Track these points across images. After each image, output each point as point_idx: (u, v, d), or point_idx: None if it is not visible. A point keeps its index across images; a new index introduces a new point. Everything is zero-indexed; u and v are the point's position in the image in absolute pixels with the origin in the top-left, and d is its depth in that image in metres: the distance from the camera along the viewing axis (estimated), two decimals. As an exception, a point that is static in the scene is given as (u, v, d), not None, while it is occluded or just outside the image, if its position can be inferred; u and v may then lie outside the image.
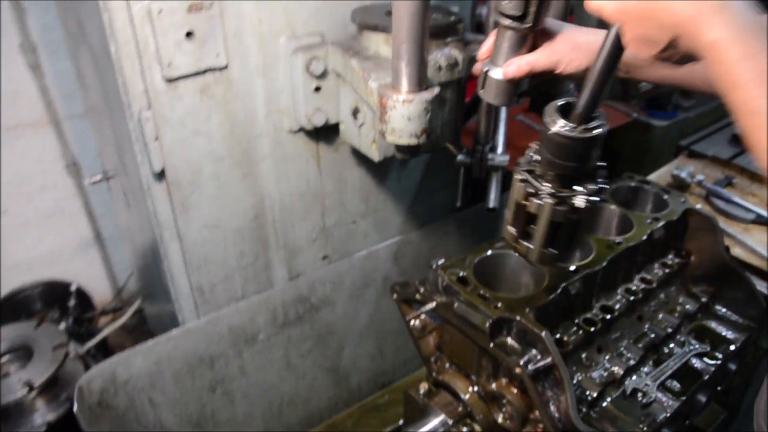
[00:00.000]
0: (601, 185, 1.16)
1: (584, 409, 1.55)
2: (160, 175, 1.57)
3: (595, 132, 1.06)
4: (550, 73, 1.23)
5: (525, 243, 1.29)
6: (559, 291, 1.56)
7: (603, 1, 0.90)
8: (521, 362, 1.43)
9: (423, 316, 1.76)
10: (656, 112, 2.96)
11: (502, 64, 1.22)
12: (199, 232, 1.70)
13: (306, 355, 2.08)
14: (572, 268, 1.63)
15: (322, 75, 1.62)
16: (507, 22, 1.15)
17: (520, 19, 1.13)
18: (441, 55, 1.50)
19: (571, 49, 1.22)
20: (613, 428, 1.54)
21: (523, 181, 1.19)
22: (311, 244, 1.95)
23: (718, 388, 1.78)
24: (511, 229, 1.30)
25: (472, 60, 1.58)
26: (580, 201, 1.14)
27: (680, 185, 2.49)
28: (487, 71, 1.22)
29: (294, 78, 1.62)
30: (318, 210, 1.91)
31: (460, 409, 1.70)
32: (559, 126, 1.06)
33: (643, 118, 2.96)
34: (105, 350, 3.00)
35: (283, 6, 1.56)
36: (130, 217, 2.04)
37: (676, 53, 0.83)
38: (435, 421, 1.69)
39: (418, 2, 1.19)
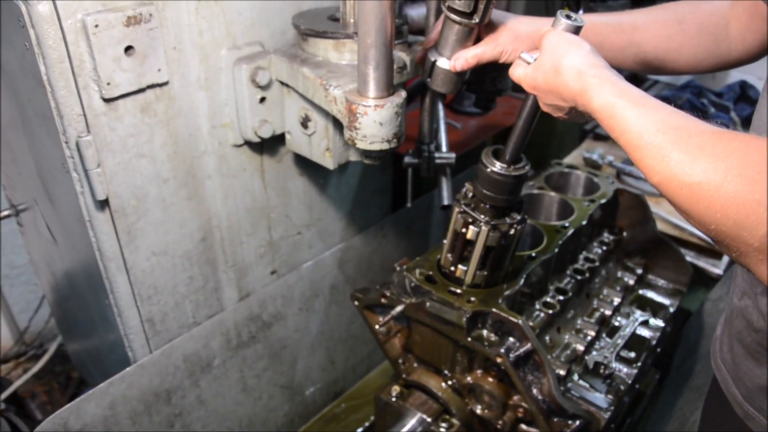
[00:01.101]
0: (524, 215, 1.45)
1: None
2: (103, 204, 1.44)
3: (522, 171, 1.34)
4: (495, 62, 1.33)
5: (461, 267, 1.52)
6: (523, 279, 1.62)
7: (521, 76, 1.16)
8: (501, 351, 1.47)
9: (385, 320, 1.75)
10: (557, 100, 3.13)
11: (448, 56, 1.30)
12: (147, 261, 1.59)
13: (261, 374, 2.01)
14: (533, 254, 1.70)
15: (267, 85, 1.57)
16: (456, 17, 1.20)
17: (469, 15, 1.18)
18: (390, 59, 1.51)
19: (514, 39, 1.32)
20: (587, 404, 1.62)
21: (461, 212, 1.43)
22: (259, 260, 1.88)
23: (658, 350, 1.92)
24: (449, 256, 1.54)
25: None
26: (510, 227, 1.41)
27: (593, 167, 2.66)
28: (434, 61, 1.28)
29: (238, 90, 1.56)
30: (264, 224, 1.85)
31: (436, 406, 1.72)
32: (497, 167, 1.33)
33: (546, 107, 3.12)
34: (15, 402, 2.74)
35: (223, 15, 1.48)
36: (52, 252, 1.86)
37: (579, 114, 1.09)
38: (412, 421, 1.70)
39: (386, 6, 1.18)
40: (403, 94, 1.32)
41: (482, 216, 1.41)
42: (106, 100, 1.35)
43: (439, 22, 1.34)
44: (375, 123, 1.29)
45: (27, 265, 2.82)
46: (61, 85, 1.29)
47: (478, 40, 1.33)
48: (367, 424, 2.22)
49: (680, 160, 0.82)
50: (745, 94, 3.26)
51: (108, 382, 1.57)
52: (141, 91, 1.40)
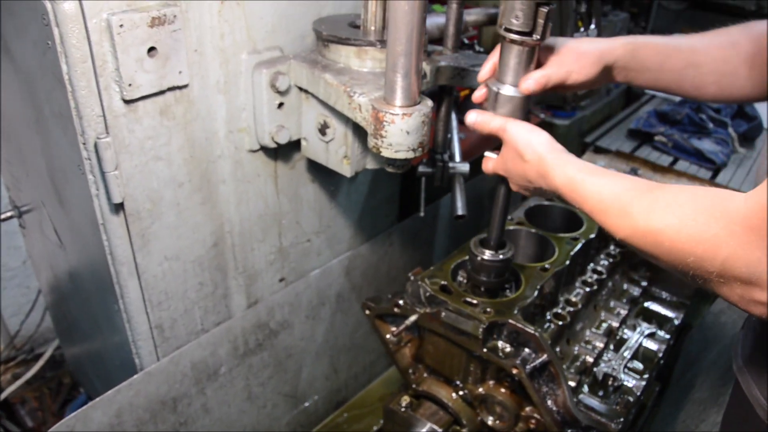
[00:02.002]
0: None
1: (569, 400, 1.61)
2: (118, 207, 1.42)
3: (507, 256, 1.54)
4: (561, 85, 1.30)
5: None
6: (537, 290, 1.62)
7: (493, 168, 1.38)
8: (518, 362, 1.47)
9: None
10: (558, 111, 3.16)
11: (511, 81, 1.25)
12: (159, 266, 1.56)
13: (266, 382, 1.98)
14: (546, 266, 1.70)
15: (286, 91, 1.55)
16: (516, 37, 1.18)
17: (528, 34, 1.16)
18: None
19: (577, 59, 1.32)
20: (598, 415, 1.62)
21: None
22: (269, 266, 1.86)
23: (662, 362, 1.93)
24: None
25: (438, 70, 1.59)
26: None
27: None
28: (498, 91, 1.26)
29: (257, 94, 1.54)
30: (275, 231, 1.83)
31: (447, 416, 1.71)
32: (486, 255, 1.53)
33: (547, 119, 3.15)
34: (5, 407, 2.69)
35: (245, 19, 1.47)
36: (57, 255, 1.82)
37: (544, 192, 1.27)
38: (422, 432, 1.68)
39: (418, 14, 1.18)
40: (430, 103, 1.32)
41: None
42: (127, 102, 1.33)
43: (493, 53, 1.34)
44: (402, 131, 1.28)
45: (20, 268, 2.77)
46: (82, 85, 1.27)
47: (538, 65, 1.31)
48: (370, 434, 2.20)
49: (640, 214, 0.98)
50: (741, 110, 3.32)
51: (115, 390, 1.53)
52: (161, 93, 1.38)
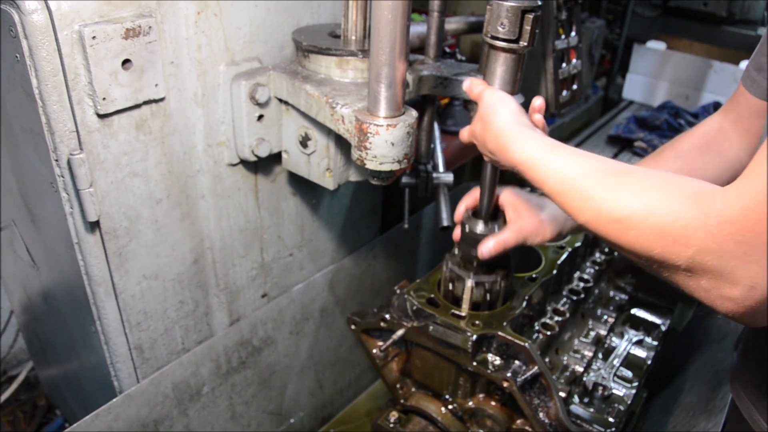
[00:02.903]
0: (508, 270, 1.55)
1: (560, 411, 1.59)
2: (94, 226, 1.37)
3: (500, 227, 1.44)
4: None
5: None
6: (526, 301, 1.60)
7: (465, 135, 1.33)
8: (508, 375, 1.44)
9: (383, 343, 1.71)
10: (537, 120, 3.16)
11: (498, 87, 1.23)
12: (137, 285, 1.51)
13: (250, 401, 1.93)
14: (533, 276, 1.68)
15: (266, 103, 1.52)
16: (502, 45, 1.16)
17: (515, 41, 1.14)
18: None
19: (537, 225, 1.40)
20: (589, 425, 1.60)
21: (449, 270, 1.54)
22: (251, 282, 1.82)
23: (650, 369, 1.92)
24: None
25: (421, 79, 1.57)
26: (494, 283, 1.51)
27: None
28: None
29: (236, 107, 1.51)
30: (257, 246, 1.78)
31: (436, 431, 1.67)
32: (479, 229, 1.44)
33: (526, 127, 3.14)
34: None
35: (222, 30, 1.44)
36: (30, 276, 1.76)
37: (504, 167, 1.20)
38: (412, 449, 1.65)
39: (401, 24, 1.16)
40: (414, 113, 1.29)
41: (468, 273, 1.50)
42: (101, 116, 1.29)
43: (468, 196, 1.48)
44: (386, 143, 1.25)
45: (-11, 290, 2.69)
46: (53, 100, 1.22)
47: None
48: (357, 450, 2.16)
49: (605, 197, 0.91)
50: (718, 116, 3.35)
51: (94, 415, 1.48)
52: (137, 106, 1.34)
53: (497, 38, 1.15)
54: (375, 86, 1.22)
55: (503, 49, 1.17)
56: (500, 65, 1.20)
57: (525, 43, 1.14)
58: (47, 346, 2.02)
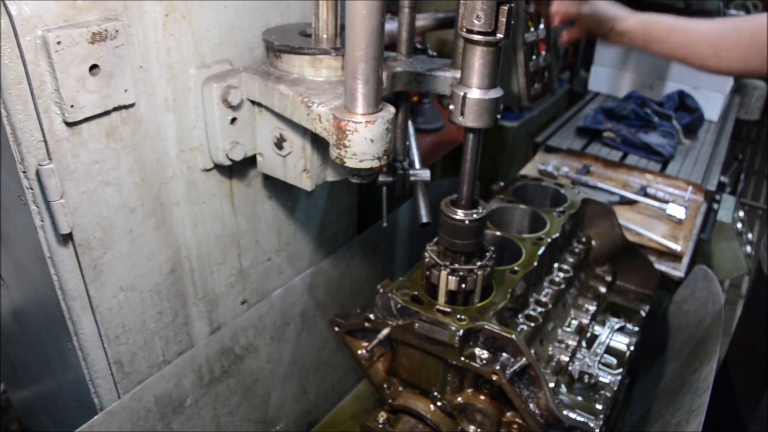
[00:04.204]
0: (489, 260, 1.53)
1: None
2: (66, 238, 1.33)
3: (481, 215, 1.43)
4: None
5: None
6: (509, 294, 1.60)
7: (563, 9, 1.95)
8: (497, 368, 1.44)
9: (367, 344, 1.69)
10: (506, 114, 3.18)
11: (477, 84, 1.22)
12: (114, 298, 1.47)
13: (235, 411, 1.90)
14: (515, 268, 1.69)
15: (239, 105, 1.49)
16: (478, 38, 1.15)
17: (491, 33, 1.14)
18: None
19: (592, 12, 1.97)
20: (578, 415, 1.61)
21: (428, 257, 1.53)
22: (230, 289, 1.78)
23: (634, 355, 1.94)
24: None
25: (394, 76, 1.56)
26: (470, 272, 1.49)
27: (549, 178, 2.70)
28: (465, 95, 1.22)
29: (208, 111, 1.47)
30: (234, 252, 1.75)
31: (426, 429, 1.66)
32: (459, 215, 1.42)
33: (496, 122, 3.16)
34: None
35: (191, 33, 1.40)
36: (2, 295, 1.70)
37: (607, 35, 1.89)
38: (402, 449, 1.63)
39: (377, 18, 1.14)
40: (392, 109, 1.28)
41: (446, 262, 1.49)
42: (69, 125, 1.24)
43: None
44: (366, 140, 1.24)
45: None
46: (18, 109, 1.18)
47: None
48: (345, 454, 2.14)
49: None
50: (683, 103, 3.42)
51: (74, 434, 1.43)
52: (107, 113, 1.30)
53: (473, 31, 1.15)
54: (352, 83, 1.21)
55: (480, 43, 1.16)
56: (478, 59, 1.19)
57: (501, 35, 1.14)
58: (20, 366, 1.95)
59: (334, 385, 2.36)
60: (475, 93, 1.22)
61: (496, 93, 1.26)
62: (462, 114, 1.25)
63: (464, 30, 1.16)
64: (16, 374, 2.04)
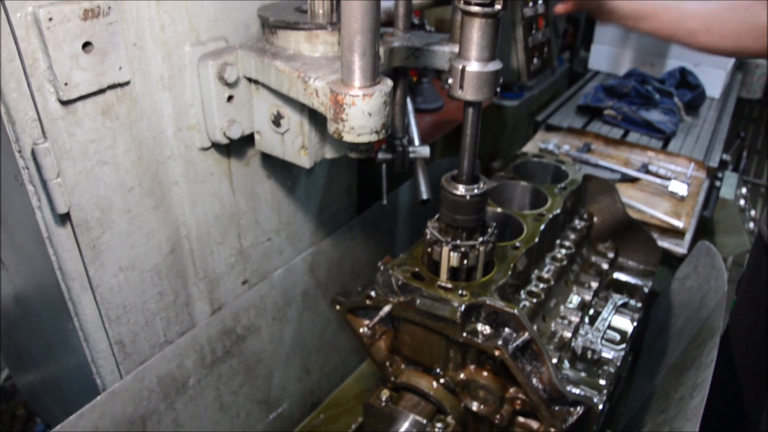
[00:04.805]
0: (491, 236, 1.51)
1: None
2: (64, 218, 1.32)
3: (482, 190, 1.42)
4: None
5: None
6: (511, 269, 1.59)
7: None
8: (499, 344, 1.43)
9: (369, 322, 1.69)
10: (506, 93, 3.15)
11: (476, 57, 1.21)
12: (114, 278, 1.46)
13: (238, 391, 1.90)
14: (516, 244, 1.68)
15: (235, 82, 1.48)
16: (476, 9, 1.14)
17: (489, 4, 1.13)
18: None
19: None
20: (581, 390, 1.60)
21: (429, 233, 1.52)
22: (230, 269, 1.78)
23: (637, 331, 1.94)
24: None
25: (392, 51, 1.54)
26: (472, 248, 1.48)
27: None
28: (464, 67, 1.21)
29: (204, 88, 1.46)
30: (234, 232, 1.75)
31: (429, 406, 1.66)
32: (461, 191, 1.40)
33: (495, 101, 3.14)
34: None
35: (186, 9, 1.39)
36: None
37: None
38: (405, 425, 1.63)
39: (372, -11, 1.13)
40: (390, 82, 1.26)
41: (447, 238, 1.48)
42: (64, 103, 1.23)
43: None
44: (363, 113, 1.22)
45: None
46: (11, 87, 1.16)
47: None
48: (349, 433, 2.14)
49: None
50: (685, 80, 3.39)
51: (78, 414, 1.43)
52: (101, 92, 1.28)
53: (471, 2, 1.14)
54: (348, 56, 1.19)
55: (478, 14, 1.16)
56: (476, 31, 1.18)
57: (500, 6, 1.13)
58: (23, 350, 1.96)
59: (337, 365, 2.37)
60: (474, 66, 1.21)
61: (495, 65, 1.24)
62: (461, 87, 1.24)
63: (462, 2, 1.15)
64: (20, 359, 2.05)
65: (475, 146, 1.38)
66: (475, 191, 1.41)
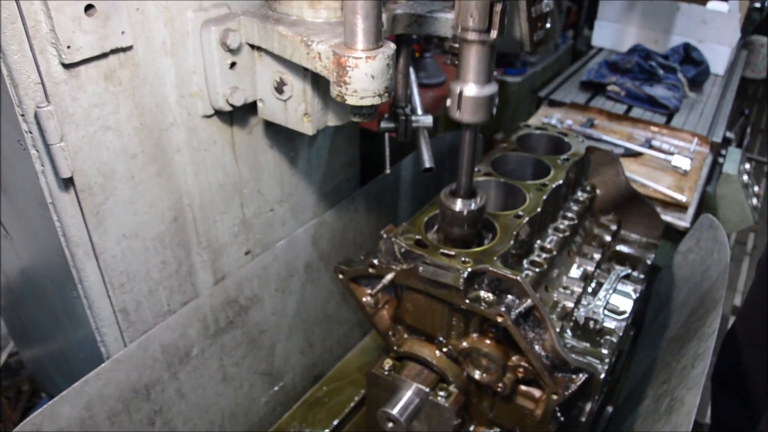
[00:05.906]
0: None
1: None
2: (68, 183, 1.32)
3: (479, 205, 1.50)
4: None
5: None
6: (513, 238, 1.59)
7: None
8: (502, 310, 1.44)
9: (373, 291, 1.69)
10: (509, 69, 3.14)
11: (474, 80, 1.27)
12: (117, 245, 1.46)
13: (241, 362, 1.91)
14: (519, 213, 1.68)
15: (238, 49, 1.47)
16: (473, 36, 1.20)
17: (486, 31, 1.19)
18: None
19: None
20: (584, 358, 1.61)
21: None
22: (233, 239, 1.78)
23: (638, 302, 1.94)
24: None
25: (395, 18, 1.53)
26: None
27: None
28: (461, 91, 1.28)
29: (207, 55, 1.45)
30: (237, 201, 1.74)
31: (432, 375, 1.67)
32: (458, 206, 1.48)
33: (499, 76, 3.13)
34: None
35: (188, -28, 1.38)
36: (4, 249, 1.70)
37: None
38: (408, 393, 1.64)
39: (375, -51, 1.12)
40: (392, 45, 1.25)
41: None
42: (67, 66, 1.23)
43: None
44: (366, 76, 1.22)
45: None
46: (13, 49, 1.16)
47: None
48: (352, 405, 2.16)
49: None
50: (689, 56, 3.36)
51: (83, 381, 1.44)
52: (104, 56, 1.28)
53: (468, 29, 1.20)
54: (351, 18, 1.18)
55: (475, 41, 1.21)
56: (473, 57, 1.24)
57: (495, 36, 1.19)
58: (28, 323, 1.97)
59: (340, 339, 2.38)
60: (471, 89, 1.28)
61: (491, 89, 1.30)
62: (459, 109, 1.30)
63: (460, 29, 1.21)
64: (26, 332, 2.06)
65: (472, 164, 1.45)
66: (472, 206, 1.49)
